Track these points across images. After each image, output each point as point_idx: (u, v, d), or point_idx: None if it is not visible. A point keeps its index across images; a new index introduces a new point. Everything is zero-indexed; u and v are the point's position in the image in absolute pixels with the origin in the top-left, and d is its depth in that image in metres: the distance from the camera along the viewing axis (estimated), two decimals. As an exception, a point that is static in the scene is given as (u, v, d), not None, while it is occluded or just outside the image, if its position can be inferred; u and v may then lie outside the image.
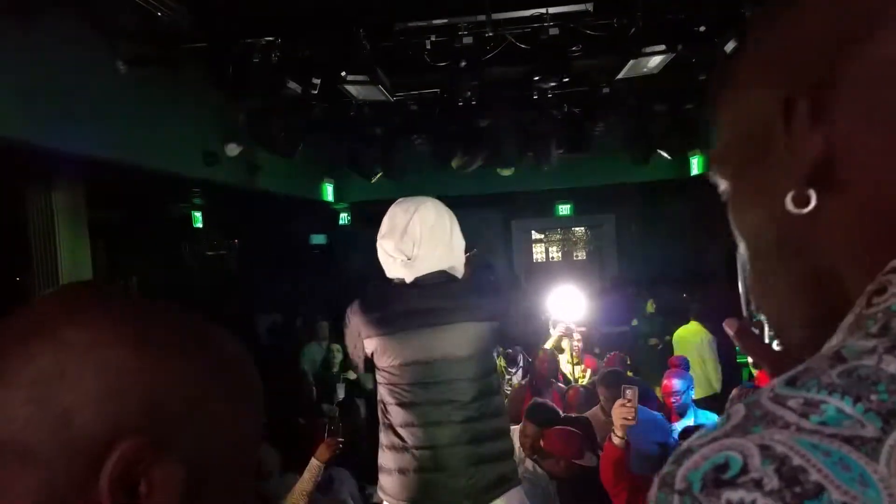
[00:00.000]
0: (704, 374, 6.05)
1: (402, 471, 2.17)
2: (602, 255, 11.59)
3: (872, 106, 0.41)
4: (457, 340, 2.16)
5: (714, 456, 0.34)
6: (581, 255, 12.01)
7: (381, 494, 2.25)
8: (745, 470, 0.32)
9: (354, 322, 2.28)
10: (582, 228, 11.99)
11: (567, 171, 8.28)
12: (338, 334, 7.00)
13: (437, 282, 2.19)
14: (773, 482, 0.32)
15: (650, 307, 7.99)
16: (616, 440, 2.82)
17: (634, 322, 8.13)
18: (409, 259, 2.16)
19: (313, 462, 3.10)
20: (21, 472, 0.46)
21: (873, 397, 0.33)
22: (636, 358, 7.51)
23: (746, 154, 0.48)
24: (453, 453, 2.13)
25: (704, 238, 9.36)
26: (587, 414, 4.01)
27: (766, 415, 0.35)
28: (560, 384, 5.37)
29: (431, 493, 2.13)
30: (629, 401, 2.78)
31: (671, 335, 7.64)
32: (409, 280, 2.20)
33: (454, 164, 7.21)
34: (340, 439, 3.13)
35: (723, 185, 0.53)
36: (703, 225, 9.34)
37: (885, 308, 0.38)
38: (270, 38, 4.23)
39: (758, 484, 0.32)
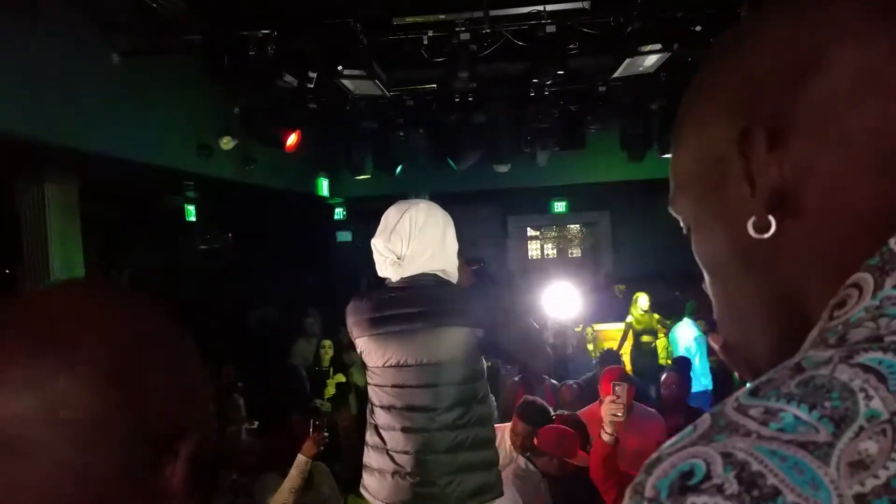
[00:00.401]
0: (694, 370, 6.13)
1: (381, 472, 2.17)
2: (597, 253, 11.61)
3: (824, 133, 0.43)
4: (438, 344, 2.13)
5: (681, 464, 0.36)
6: (576, 252, 12.04)
7: (363, 492, 2.25)
8: (708, 476, 0.34)
9: (347, 322, 2.32)
10: (577, 225, 12.01)
11: (563, 168, 8.29)
12: (328, 329, 7.00)
13: (424, 284, 2.17)
14: (733, 487, 0.33)
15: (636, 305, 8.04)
16: (605, 437, 2.82)
17: (628, 319, 8.16)
18: (398, 258, 2.16)
19: (300, 458, 3.12)
20: (102, 447, 0.50)
21: (827, 404, 0.35)
22: (631, 354, 7.56)
23: (705, 182, 0.50)
24: (428, 461, 2.11)
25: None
26: (585, 410, 4.02)
27: (729, 424, 0.36)
28: (553, 381, 5.39)
29: (408, 498, 2.11)
30: (618, 397, 2.78)
31: (666, 332, 7.68)
32: (394, 279, 2.19)
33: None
34: (326, 434, 3.14)
35: (683, 214, 0.55)
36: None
37: (845, 320, 0.40)
38: (266, 31, 4.21)
39: (719, 489, 0.33)
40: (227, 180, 6.21)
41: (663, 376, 4.74)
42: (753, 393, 0.38)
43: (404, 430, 2.14)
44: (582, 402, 4.42)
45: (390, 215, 2.21)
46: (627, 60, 4.77)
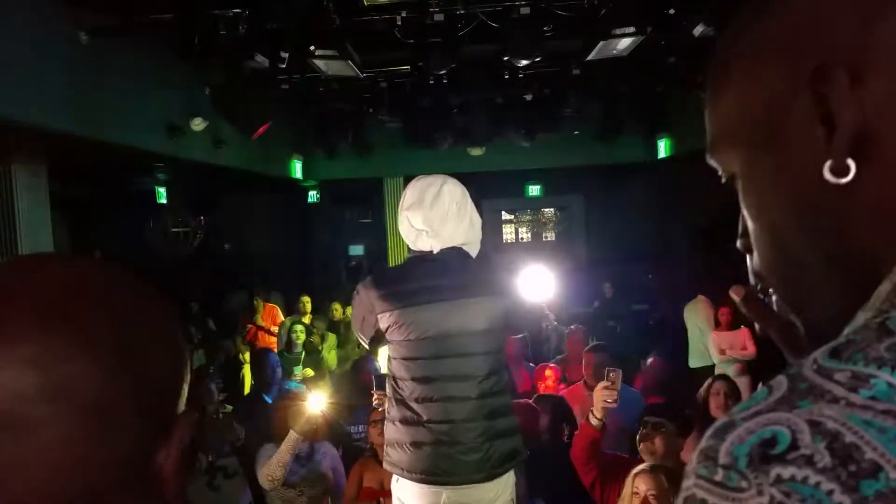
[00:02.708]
0: (704, 344, 6.21)
1: (416, 444, 2.17)
2: (571, 236, 11.69)
3: None
4: (473, 315, 2.19)
5: (760, 430, 0.33)
6: (550, 235, 12.11)
7: (389, 467, 2.26)
8: (794, 445, 0.32)
9: (367, 297, 2.26)
10: (551, 209, 12.07)
11: (537, 152, 8.31)
12: (296, 313, 6.99)
13: (455, 257, 2.22)
14: (825, 459, 0.31)
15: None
16: (594, 421, 2.82)
17: (596, 304, 8.27)
18: (433, 231, 2.20)
19: (292, 434, 3.12)
20: (106, 430, 0.49)
21: None
22: (597, 338, 7.65)
23: (760, 128, 0.46)
24: (469, 428, 2.15)
25: (669, 219, 9.50)
26: (568, 390, 4.09)
27: (812, 388, 0.34)
28: (530, 363, 5.45)
29: (445, 466, 2.14)
30: (612, 383, 2.77)
31: (631, 316, 7.80)
32: (436, 251, 2.21)
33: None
34: (321, 413, 3.14)
35: (728, 168, 0.51)
36: (669, 206, 9.48)
37: None
38: (237, 10, 4.14)
39: (809, 460, 0.31)
40: (198, 162, 6.13)
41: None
42: (835, 354, 0.35)
43: (446, 399, 2.16)
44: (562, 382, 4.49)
45: (424, 189, 2.22)
46: (601, 43, 4.78)
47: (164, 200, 8.04)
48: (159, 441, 0.51)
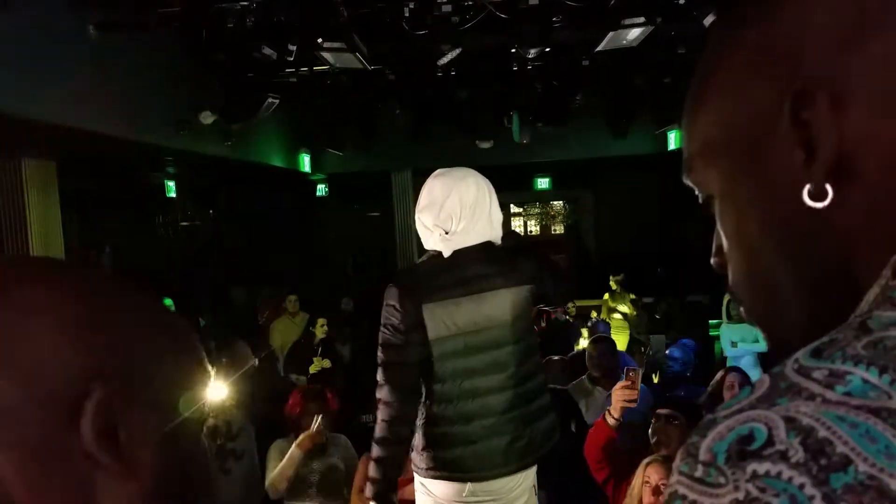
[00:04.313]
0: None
1: (467, 444, 2.14)
2: (579, 229, 11.66)
3: (889, 97, 0.41)
4: (501, 306, 2.17)
5: (739, 427, 0.34)
6: (559, 228, 12.08)
7: (434, 473, 2.18)
8: (770, 442, 0.32)
9: (401, 294, 2.17)
10: (560, 202, 12.04)
11: (546, 145, 8.27)
12: (311, 307, 7.00)
13: (478, 250, 2.19)
14: (798, 454, 0.31)
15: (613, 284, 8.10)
16: (611, 420, 2.76)
17: (606, 297, 8.23)
18: (447, 234, 2.15)
19: (294, 450, 3.18)
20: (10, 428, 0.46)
21: None
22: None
23: (739, 149, 0.46)
24: (509, 418, 2.16)
25: (680, 212, 9.45)
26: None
27: (790, 386, 0.34)
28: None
29: (500, 459, 2.15)
30: (632, 382, 2.70)
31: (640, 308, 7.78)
32: (446, 254, 2.18)
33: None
34: (323, 430, 3.19)
35: (706, 188, 0.50)
36: (679, 199, 9.43)
37: None
38: (245, 3, 4.13)
39: (783, 456, 0.32)
40: (206, 156, 6.14)
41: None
42: (815, 354, 0.36)
43: (481, 394, 2.15)
44: (570, 375, 4.47)
45: (437, 190, 2.17)
46: (611, 34, 4.74)
47: (173, 195, 8.06)
48: (74, 416, 0.47)
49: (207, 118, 5.63)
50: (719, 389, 3.77)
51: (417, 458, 2.21)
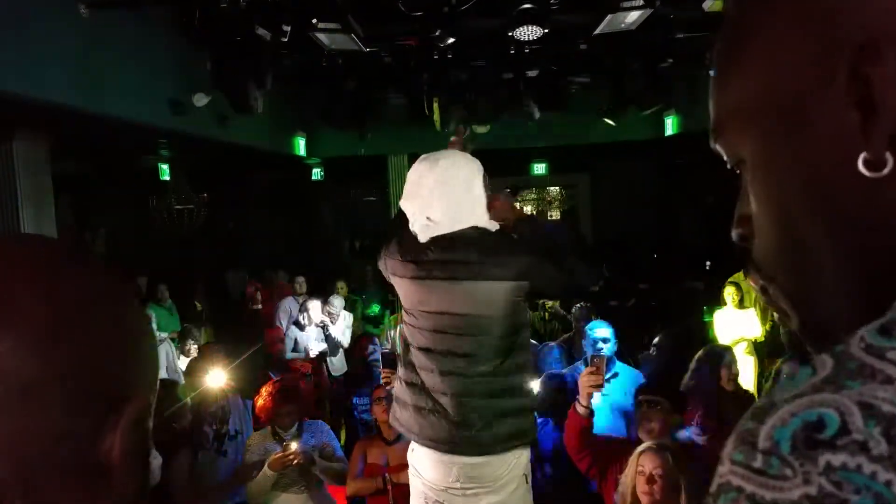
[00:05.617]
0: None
1: (418, 409, 2.21)
2: (576, 215, 11.63)
3: None
4: (482, 297, 2.14)
5: (803, 412, 0.30)
6: (556, 214, 12.05)
7: (395, 424, 2.32)
8: (844, 430, 0.29)
9: (385, 259, 2.34)
10: (557, 188, 12.00)
11: (543, 130, 8.22)
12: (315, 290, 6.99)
13: (468, 236, 2.15)
14: (881, 446, 0.28)
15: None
16: (580, 409, 2.78)
17: (601, 283, 8.22)
18: (428, 220, 2.15)
19: (266, 471, 3.20)
20: (39, 410, 0.46)
21: None
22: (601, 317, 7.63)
23: (785, 114, 0.42)
24: (466, 403, 2.14)
25: (677, 198, 9.43)
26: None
27: (861, 368, 0.31)
28: (532, 342, 5.41)
29: (443, 437, 2.16)
30: (597, 368, 2.74)
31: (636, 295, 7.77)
32: (422, 240, 2.18)
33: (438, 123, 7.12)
34: (292, 456, 3.19)
35: (737, 153, 0.46)
36: (676, 184, 9.41)
37: None
38: (238, -18, 4.07)
39: (863, 447, 0.28)
40: (200, 138, 6.08)
41: None
42: (883, 332, 0.32)
43: (443, 372, 2.16)
44: (566, 361, 4.47)
45: (412, 176, 2.17)
46: (609, 17, 4.70)
47: (166, 177, 8.00)
48: (104, 426, 0.48)
49: (201, 100, 5.57)
50: (706, 369, 3.75)
51: (394, 407, 2.33)
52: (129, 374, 0.50)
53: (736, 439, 0.31)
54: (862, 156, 0.38)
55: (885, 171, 0.38)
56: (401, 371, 2.31)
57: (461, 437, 2.14)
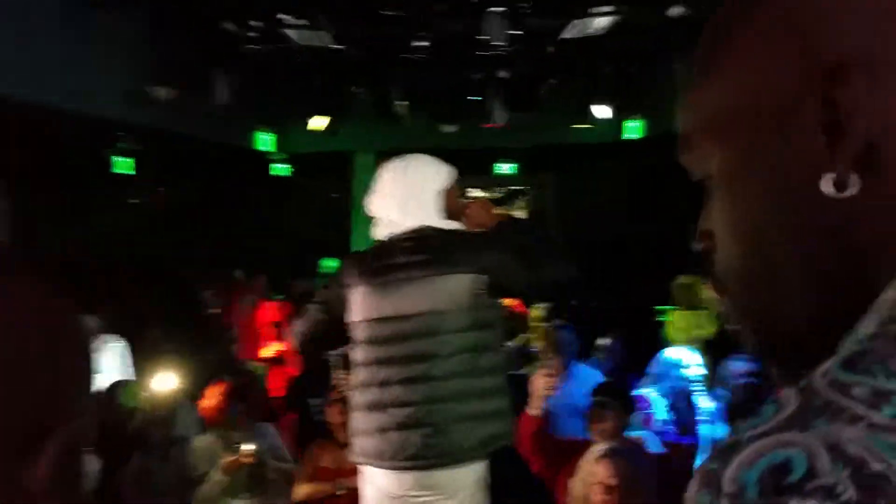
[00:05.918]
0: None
1: (383, 430, 2.11)
2: (543, 216, 11.69)
3: None
4: (438, 292, 2.11)
5: (770, 453, 0.29)
6: (522, 215, 12.11)
7: (362, 460, 2.20)
8: (812, 473, 0.28)
9: (346, 273, 2.31)
10: (524, 188, 12.05)
11: (511, 130, 8.25)
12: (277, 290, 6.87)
13: (424, 234, 2.17)
14: (849, 491, 0.27)
15: None
16: (534, 411, 2.76)
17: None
18: (389, 220, 2.22)
19: (216, 474, 3.17)
20: None
21: None
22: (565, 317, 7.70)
23: (754, 128, 0.41)
24: (436, 410, 2.08)
25: (642, 200, 9.56)
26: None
27: (827, 405, 0.30)
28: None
29: (418, 451, 2.07)
30: (551, 371, 2.75)
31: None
32: (381, 237, 2.25)
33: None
34: (245, 458, 3.17)
35: (704, 167, 0.45)
36: (640, 187, 9.54)
37: None
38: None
39: (830, 493, 0.27)
40: (159, 130, 5.91)
41: None
42: (848, 366, 0.31)
43: (406, 381, 2.10)
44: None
45: (375, 178, 2.28)
46: (576, 21, 4.72)
47: (123, 171, 7.73)
48: (30, 453, 0.46)
49: (162, 93, 5.41)
50: None
51: (355, 442, 2.23)
52: (55, 402, 0.48)
53: (701, 479, 0.30)
54: (827, 176, 0.38)
55: (850, 192, 0.38)
56: (357, 398, 2.21)
57: (436, 445, 2.07)
